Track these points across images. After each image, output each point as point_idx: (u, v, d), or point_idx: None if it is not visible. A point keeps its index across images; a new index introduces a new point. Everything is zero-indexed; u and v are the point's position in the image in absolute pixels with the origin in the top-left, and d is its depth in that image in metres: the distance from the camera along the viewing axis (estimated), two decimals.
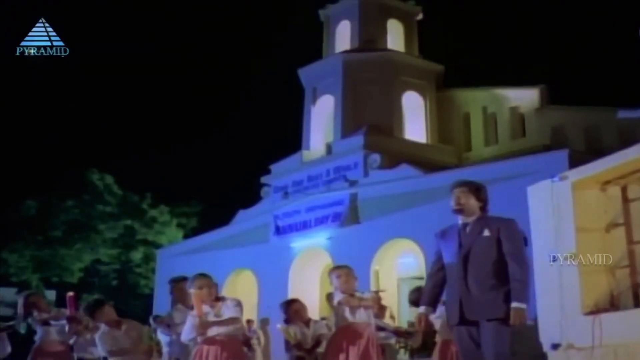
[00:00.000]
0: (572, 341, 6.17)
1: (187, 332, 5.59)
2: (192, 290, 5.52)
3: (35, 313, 7.71)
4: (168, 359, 8.63)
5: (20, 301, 7.88)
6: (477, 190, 4.49)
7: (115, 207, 26.75)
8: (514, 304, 4.16)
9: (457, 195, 4.45)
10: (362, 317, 6.20)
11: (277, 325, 7.34)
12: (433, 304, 4.58)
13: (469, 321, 4.26)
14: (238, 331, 5.73)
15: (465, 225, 4.43)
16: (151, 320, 8.37)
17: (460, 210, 4.44)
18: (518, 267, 4.23)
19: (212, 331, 5.49)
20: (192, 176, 34.15)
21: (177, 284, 7.11)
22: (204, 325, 5.42)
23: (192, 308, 5.73)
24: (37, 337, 7.78)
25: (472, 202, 4.43)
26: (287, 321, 7.25)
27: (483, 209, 4.48)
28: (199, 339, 5.52)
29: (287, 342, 7.68)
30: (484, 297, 4.21)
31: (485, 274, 4.24)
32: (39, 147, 33.91)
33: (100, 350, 6.46)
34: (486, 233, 4.31)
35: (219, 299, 5.67)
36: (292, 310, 7.25)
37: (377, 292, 6.56)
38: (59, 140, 34.51)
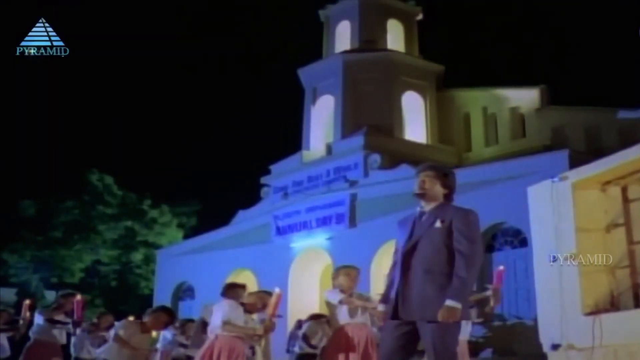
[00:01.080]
0: (572, 341, 6.17)
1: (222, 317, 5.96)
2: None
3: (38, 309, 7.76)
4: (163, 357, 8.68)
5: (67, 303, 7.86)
6: (444, 175, 4.07)
7: (115, 208, 26.74)
8: (447, 302, 3.68)
9: (421, 179, 4.06)
10: (360, 318, 6.20)
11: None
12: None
13: (401, 318, 3.84)
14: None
15: (422, 213, 4.03)
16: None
17: (422, 195, 4.02)
18: (462, 263, 3.76)
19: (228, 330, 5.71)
20: (192, 176, 34.17)
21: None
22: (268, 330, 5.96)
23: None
24: (31, 332, 7.76)
25: (437, 189, 4.02)
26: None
27: (448, 197, 4.06)
28: (214, 335, 5.74)
29: (305, 337, 7.81)
30: (425, 295, 3.77)
31: (430, 270, 3.81)
32: (39, 148, 33.93)
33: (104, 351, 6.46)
34: (437, 224, 3.90)
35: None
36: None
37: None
38: (59, 141, 34.52)
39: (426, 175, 4.05)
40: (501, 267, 6.53)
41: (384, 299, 4.03)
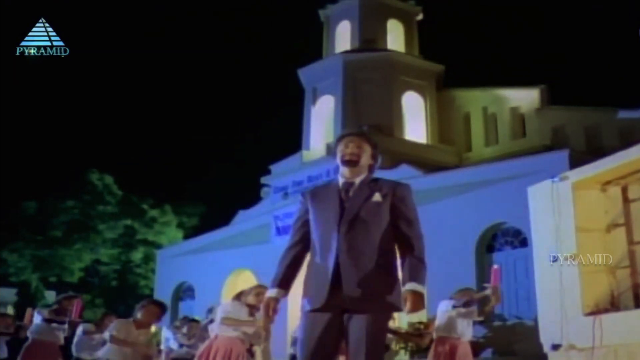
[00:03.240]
0: (572, 341, 6.18)
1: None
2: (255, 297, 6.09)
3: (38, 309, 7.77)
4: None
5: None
6: (374, 145, 3.57)
7: (115, 207, 26.75)
8: (410, 285, 3.21)
9: (353, 142, 3.51)
10: None
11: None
12: (286, 286, 3.44)
13: (335, 308, 3.25)
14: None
15: (348, 185, 3.46)
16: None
17: (354, 162, 3.47)
18: (418, 243, 3.33)
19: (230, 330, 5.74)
20: (193, 177, 34.18)
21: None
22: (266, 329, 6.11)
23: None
24: (29, 332, 7.76)
25: (366, 158, 3.51)
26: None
27: (371, 169, 3.57)
28: (214, 335, 5.76)
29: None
30: (372, 281, 3.23)
31: (372, 250, 3.27)
32: (40, 147, 33.93)
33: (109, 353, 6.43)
34: (377, 198, 3.37)
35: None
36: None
37: None
38: (59, 140, 34.54)
39: (357, 139, 3.53)
40: (495, 266, 6.53)
41: (280, 281, 3.41)
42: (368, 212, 3.34)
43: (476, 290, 6.99)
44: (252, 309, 6.00)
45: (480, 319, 7.30)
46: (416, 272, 3.27)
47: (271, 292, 3.41)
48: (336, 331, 3.26)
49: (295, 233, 3.52)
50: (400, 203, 3.42)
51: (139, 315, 6.34)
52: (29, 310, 7.98)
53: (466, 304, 6.56)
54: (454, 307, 6.63)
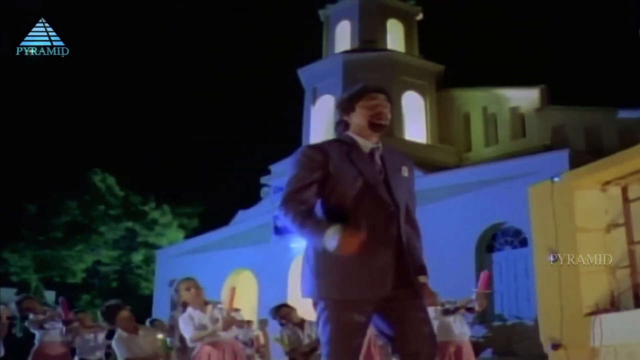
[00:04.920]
0: (572, 341, 6.17)
1: (191, 330, 5.31)
2: (185, 292, 5.41)
3: (31, 316, 7.70)
4: None
5: (14, 306, 7.88)
6: (392, 109, 3.01)
7: (117, 208, 26.74)
8: (424, 279, 2.87)
9: (386, 102, 2.94)
10: None
11: (272, 337, 7.19)
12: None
13: (379, 299, 2.74)
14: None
15: (373, 151, 2.89)
16: (147, 324, 8.34)
17: (383, 127, 2.92)
18: (418, 229, 2.96)
19: (224, 334, 5.42)
20: (193, 176, 34.19)
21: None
22: (228, 324, 5.33)
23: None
24: (36, 340, 7.77)
25: None
26: (282, 325, 7.27)
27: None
28: (207, 340, 5.41)
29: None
30: (414, 267, 2.82)
31: (409, 234, 2.89)
32: (41, 147, 33.94)
33: (118, 356, 6.38)
34: (405, 173, 2.92)
35: (206, 304, 5.53)
36: (281, 315, 7.23)
37: None
38: (61, 141, 34.55)
39: (387, 101, 2.96)
40: (486, 271, 6.47)
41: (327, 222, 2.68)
42: (398, 188, 2.86)
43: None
44: (187, 305, 5.46)
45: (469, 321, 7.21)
46: (423, 263, 2.90)
47: (335, 227, 2.61)
48: (369, 324, 2.80)
49: (308, 182, 2.77)
50: (413, 182, 3.00)
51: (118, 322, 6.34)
52: (2, 307, 7.91)
53: (447, 312, 6.50)
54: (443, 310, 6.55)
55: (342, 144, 2.89)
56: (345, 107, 3.02)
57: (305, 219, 2.73)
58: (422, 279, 2.85)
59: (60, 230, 26.41)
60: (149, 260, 26.51)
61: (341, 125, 3.02)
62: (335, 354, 2.70)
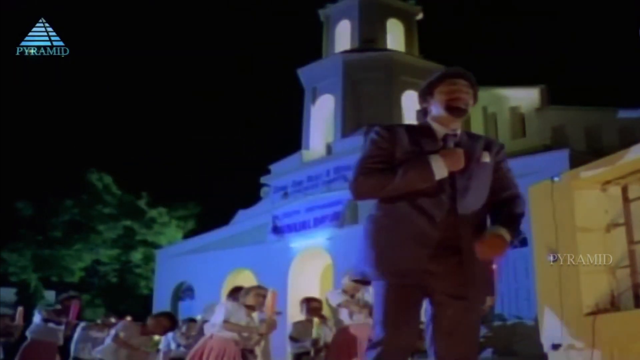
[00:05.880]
0: (572, 341, 6.16)
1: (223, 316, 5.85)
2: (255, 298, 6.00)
3: (44, 312, 7.76)
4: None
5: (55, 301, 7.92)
6: (476, 93, 2.93)
7: (115, 207, 26.74)
8: (501, 231, 2.70)
9: (467, 87, 2.86)
10: (361, 318, 6.22)
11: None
12: None
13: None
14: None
15: (446, 137, 2.81)
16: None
17: (464, 112, 2.84)
18: (514, 198, 2.85)
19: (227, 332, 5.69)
20: (192, 176, 34.18)
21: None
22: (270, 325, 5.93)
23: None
24: (29, 331, 7.75)
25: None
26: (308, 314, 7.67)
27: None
28: (209, 334, 5.74)
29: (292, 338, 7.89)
30: (478, 263, 2.69)
31: (478, 227, 2.75)
32: (39, 146, 33.93)
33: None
34: (486, 158, 2.79)
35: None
36: (311, 307, 7.58)
37: None
38: (58, 140, 34.53)
39: (467, 87, 2.87)
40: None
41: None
42: (477, 177, 2.76)
43: None
44: (250, 309, 5.98)
45: None
46: (512, 220, 2.73)
47: (431, 156, 2.68)
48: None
49: (380, 166, 2.72)
50: (502, 164, 2.87)
51: (149, 322, 6.40)
52: (20, 310, 7.96)
53: None
54: None
55: (415, 129, 2.86)
56: (424, 93, 2.99)
57: (393, 171, 2.69)
58: (498, 229, 2.70)
59: (59, 229, 26.41)
60: (148, 259, 26.51)
61: (421, 112, 2.97)
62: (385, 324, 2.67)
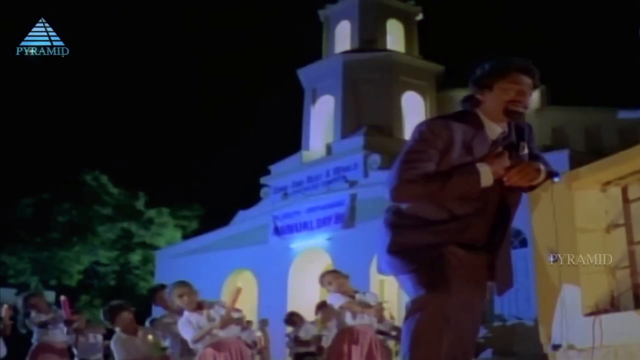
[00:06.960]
0: (572, 342, 6.17)
1: (192, 332, 5.27)
2: (178, 299, 5.38)
3: (34, 314, 7.65)
4: None
5: (20, 302, 7.83)
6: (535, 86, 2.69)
7: (113, 209, 26.69)
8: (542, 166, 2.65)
9: (528, 91, 2.64)
10: (363, 319, 6.21)
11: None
12: None
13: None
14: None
15: (498, 141, 2.66)
16: (147, 324, 8.31)
17: (520, 116, 2.67)
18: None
19: (223, 333, 5.36)
20: (192, 177, 34.16)
21: (157, 292, 7.08)
22: (226, 322, 5.24)
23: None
24: (34, 339, 7.73)
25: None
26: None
27: None
28: (207, 342, 5.34)
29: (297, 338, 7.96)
30: (506, 262, 2.71)
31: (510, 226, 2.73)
32: (37, 148, 33.91)
33: (116, 357, 6.35)
34: (525, 150, 2.67)
35: (200, 306, 5.43)
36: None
37: (381, 304, 6.59)
38: (56, 141, 34.51)
39: (533, 87, 2.65)
40: None
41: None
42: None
43: None
44: (198, 309, 5.39)
45: None
46: (545, 165, 2.64)
47: (476, 164, 2.55)
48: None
49: (424, 165, 2.55)
50: (533, 144, 2.77)
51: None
52: (5, 307, 7.86)
53: None
54: None
55: (469, 127, 2.60)
56: (481, 83, 2.65)
57: (440, 178, 2.53)
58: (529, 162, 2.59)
59: (57, 231, 26.36)
60: (146, 261, 26.49)
61: (471, 101, 2.69)
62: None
